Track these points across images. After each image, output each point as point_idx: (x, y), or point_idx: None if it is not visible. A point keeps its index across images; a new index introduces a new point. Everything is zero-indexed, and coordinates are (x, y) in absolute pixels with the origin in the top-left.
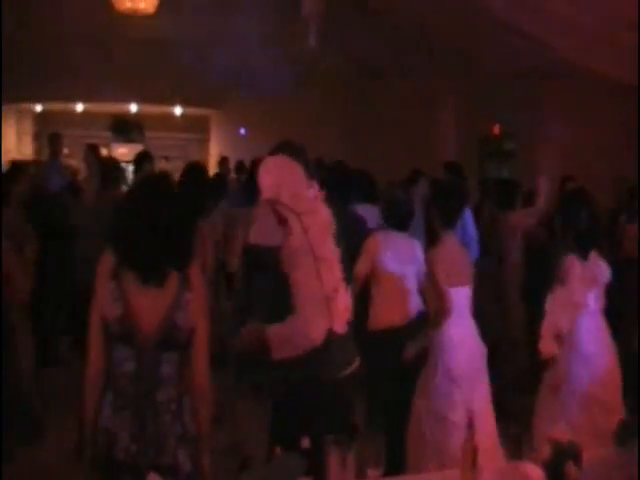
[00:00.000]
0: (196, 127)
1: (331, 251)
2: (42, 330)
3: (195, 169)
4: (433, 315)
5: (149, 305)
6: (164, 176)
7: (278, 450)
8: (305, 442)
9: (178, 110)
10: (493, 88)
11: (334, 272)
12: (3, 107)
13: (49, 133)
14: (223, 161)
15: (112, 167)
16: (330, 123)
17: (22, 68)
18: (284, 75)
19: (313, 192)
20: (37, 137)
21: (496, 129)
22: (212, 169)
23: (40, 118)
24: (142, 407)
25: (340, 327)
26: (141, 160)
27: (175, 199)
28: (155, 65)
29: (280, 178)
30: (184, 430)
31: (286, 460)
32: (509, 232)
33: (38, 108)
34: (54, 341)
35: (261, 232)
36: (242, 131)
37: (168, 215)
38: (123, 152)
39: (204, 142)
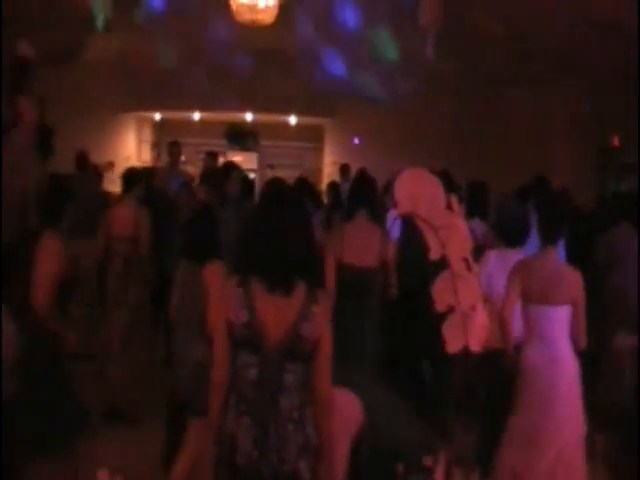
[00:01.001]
0: (310, 136)
1: (469, 268)
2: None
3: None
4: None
5: (275, 314)
6: (291, 187)
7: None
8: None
9: (293, 119)
10: (613, 98)
11: (472, 289)
12: (124, 115)
13: (169, 141)
14: (344, 169)
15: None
16: (443, 133)
17: (142, 79)
18: (399, 85)
19: (451, 206)
20: (156, 144)
21: (616, 141)
22: (326, 177)
23: (159, 126)
24: (264, 414)
25: (476, 345)
26: (229, 169)
27: (303, 209)
28: (270, 75)
29: (417, 191)
30: (306, 440)
31: None
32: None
33: (157, 117)
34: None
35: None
36: (356, 140)
37: (296, 225)
38: (238, 160)
39: (318, 150)
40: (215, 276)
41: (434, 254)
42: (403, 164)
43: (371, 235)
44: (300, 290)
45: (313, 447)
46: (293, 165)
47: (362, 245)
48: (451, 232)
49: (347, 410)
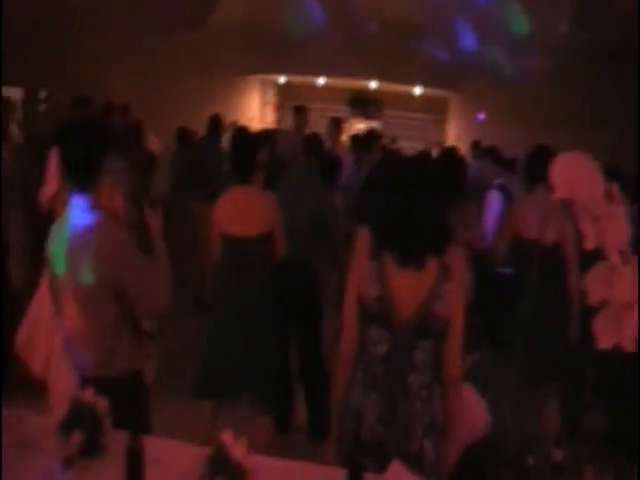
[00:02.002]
0: (434, 108)
1: (627, 261)
2: None
3: (452, 153)
4: None
5: (407, 290)
6: (428, 159)
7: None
8: None
9: (417, 90)
10: None
11: (629, 284)
12: (249, 77)
13: (294, 105)
14: (475, 145)
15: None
16: (574, 112)
17: (269, 42)
18: (530, 61)
19: (611, 194)
20: (279, 107)
21: None
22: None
23: (282, 90)
24: (392, 390)
25: (630, 345)
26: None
27: (437, 182)
28: (398, 44)
29: (576, 176)
30: (432, 419)
31: None
32: None
33: (281, 80)
34: None
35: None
36: (481, 116)
37: (429, 198)
38: (361, 127)
39: (441, 124)
40: (362, 242)
41: (589, 243)
42: (530, 143)
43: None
44: (433, 266)
45: (439, 427)
46: (416, 137)
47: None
48: (610, 221)
49: (471, 415)
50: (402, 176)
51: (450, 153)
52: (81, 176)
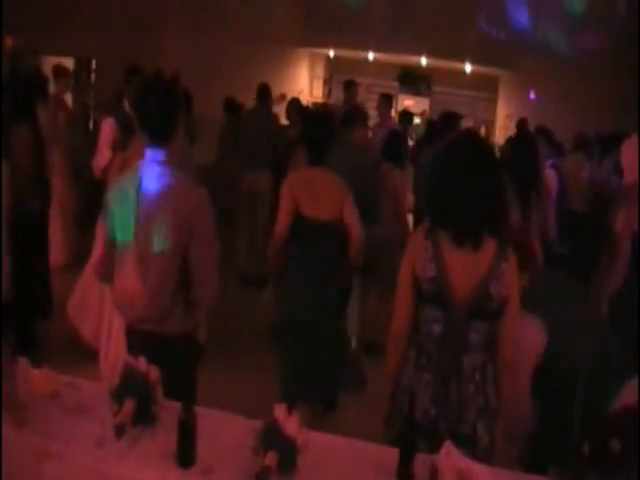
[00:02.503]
0: (484, 86)
1: None
2: None
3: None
4: None
5: (464, 270)
6: (481, 138)
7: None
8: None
9: (468, 67)
10: None
11: None
12: (298, 50)
13: (344, 79)
14: (522, 123)
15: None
16: (619, 93)
17: (319, 16)
18: (585, 40)
19: None
20: (328, 81)
21: None
22: (499, 130)
23: (332, 63)
24: (446, 371)
25: None
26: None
27: (494, 161)
28: (449, 20)
29: None
30: (485, 402)
31: None
32: None
33: (331, 54)
34: None
35: None
36: (532, 95)
37: (485, 175)
38: (409, 104)
39: (491, 102)
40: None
41: None
42: (582, 122)
43: None
44: (490, 246)
45: (492, 409)
46: (465, 114)
47: None
48: None
49: (528, 338)
50: (455, 152)
51: (523, 135)
52: (161, 130)
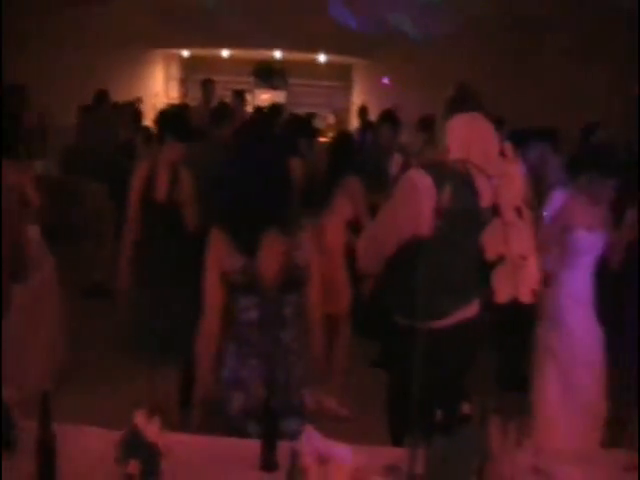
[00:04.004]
0: (339, 75)
1: (522, 216)
2: None
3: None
4: None
5: (269, 251)
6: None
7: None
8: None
9: (322, 58)
10: None
11: (524, 239)
12: (152, 52)
13: (201, 79)
14: (362, 111)
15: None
16: (473, 77)
17: (170, 16)
18: (430, 26)
19: (505, 153)
20: (184, 82)
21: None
22: (354, 118)
23: (187, 63)
24: (270, 352)
25: (526, 296)
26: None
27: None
28: (300, 12)
29: (471, 136)
30: (305, 370)
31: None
32: None
33: (185, 54)
34: None
35: None
36: (385, 80)
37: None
38: (266, 98)
39: (347, 90)
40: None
41: (485, 201)
42: (436, 106)
43: None
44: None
45: (311, 374)
46: (322, 104)
47: None
48: (504, 180)
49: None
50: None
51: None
52: None
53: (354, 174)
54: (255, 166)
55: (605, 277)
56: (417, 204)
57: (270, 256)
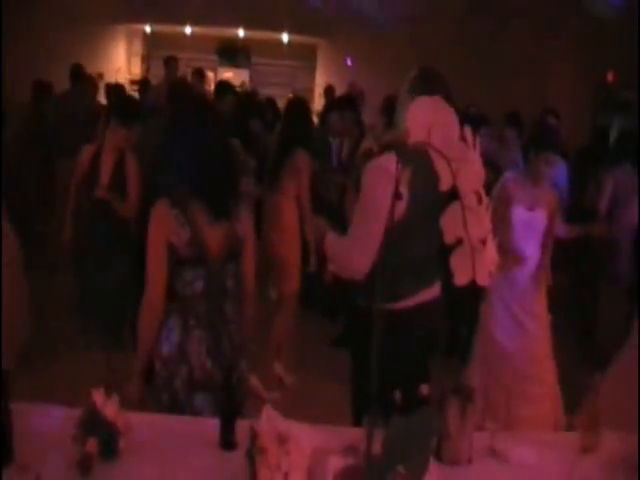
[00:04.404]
0: (303, 55)
1: (480, 201)
2: None
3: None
4: None
5: (213, 224)
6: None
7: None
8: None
9: (285, 37)
10: (610, 30)
11: (482, 223)
12: (114, 27)
13: (164, 56)
14: (328, 90)
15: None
16: (438, 60)
17: None
18: (395, 8)
19: (466, 138)
20: (146, 58)
21: (610, 76)
22: (317, 98)
23: (149, 39)
24: (215, 322)
25: (483, 279)
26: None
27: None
28: None
29: (432, 120)
30: (243, 339)
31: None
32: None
33: (147, 29)
34: None
35: None
36: (348, 61)
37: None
38: (229, 76)
39: (310, 70)
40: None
41: (445, 185)
42: (398, 87)
43: None
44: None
45: (247, 343)
46: (284, 84)
47: None
48: (463, 164)
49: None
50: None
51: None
52: None
53: (303, 148)
54: (194, 144)
55: None
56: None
57: (215, 228)
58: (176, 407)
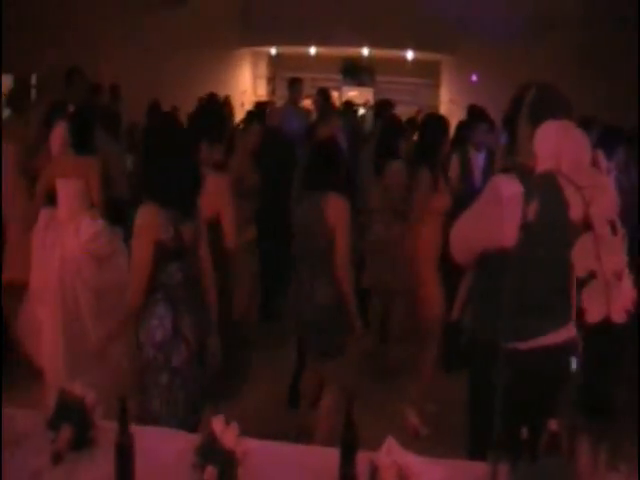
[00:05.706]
0: (427, 72)
1: (615, 231)
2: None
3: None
4: None
5: (189, 220)
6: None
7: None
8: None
9: (409, 55)
10: None
11: (617, 255)
12: (240, 50)
13: (290, 77)
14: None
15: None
16: (565, 73)
17: (259, 14)
18: (520, 22)
19: (598, 163)
20: (271, 79)
21: None
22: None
23: (275, 61)
24: (196, 306)
25: (619, 316)
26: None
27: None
28: (388, 9)
29: (562, 146)
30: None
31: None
32: None
33: (272, 51)
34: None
35: None
36: (474, 77)
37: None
38: (353, 95)
39: (434, 87)
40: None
41: (575, 214)
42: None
43: None
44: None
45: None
46: (409, 102)
47: None
48: (596, 191)
49: None
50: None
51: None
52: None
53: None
54: (170, 156)
55: None
56: (499, 214)
57: (189, 225)
58: (174, 385)
